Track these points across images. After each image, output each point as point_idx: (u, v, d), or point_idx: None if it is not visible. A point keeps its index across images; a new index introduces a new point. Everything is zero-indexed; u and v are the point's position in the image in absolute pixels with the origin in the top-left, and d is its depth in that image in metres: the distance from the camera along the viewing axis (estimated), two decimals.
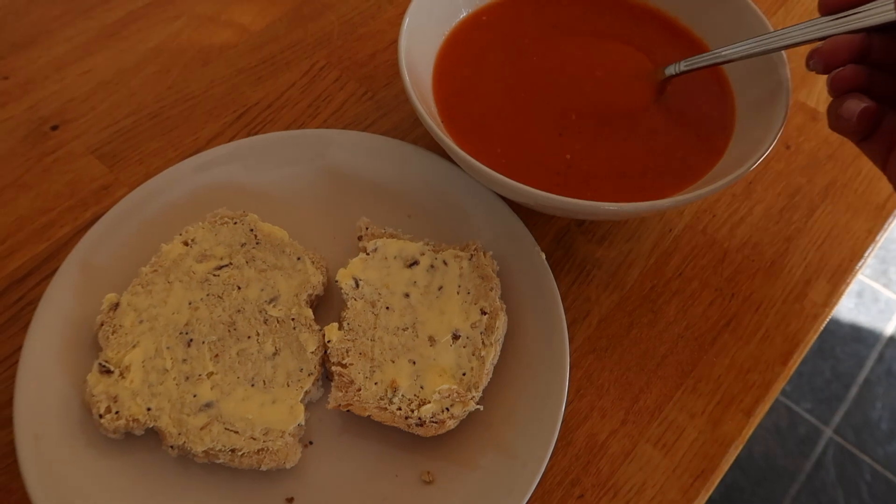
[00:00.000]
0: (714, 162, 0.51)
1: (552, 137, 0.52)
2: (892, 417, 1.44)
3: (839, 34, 0.43)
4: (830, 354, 1.53)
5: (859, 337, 1.56)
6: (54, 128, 0.61)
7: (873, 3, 0.42)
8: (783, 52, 0.52)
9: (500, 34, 0.58)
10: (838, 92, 0.44)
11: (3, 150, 0.60)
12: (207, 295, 0.48)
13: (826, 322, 0.53)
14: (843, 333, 1.57)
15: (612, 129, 0.53)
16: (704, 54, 0.52)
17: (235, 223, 0.51)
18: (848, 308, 1.60)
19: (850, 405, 1.47)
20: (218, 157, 0.55)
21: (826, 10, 0.44)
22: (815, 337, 0.52)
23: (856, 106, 0.42)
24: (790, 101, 0.50)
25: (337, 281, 0.48)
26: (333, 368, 0.45)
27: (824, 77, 0.44)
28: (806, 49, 0.45)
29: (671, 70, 0.54)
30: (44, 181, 0.58)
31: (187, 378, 0.45)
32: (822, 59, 0.44)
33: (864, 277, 1.65)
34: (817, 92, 0.65)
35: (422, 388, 0.45)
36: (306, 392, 0.45)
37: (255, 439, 0.43)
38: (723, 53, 0.50)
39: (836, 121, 0.44)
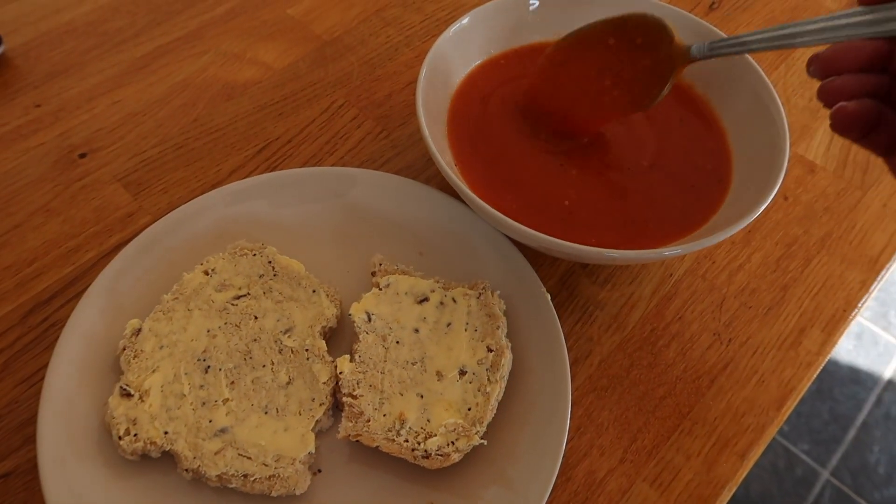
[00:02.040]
0: (713, 212, 0.54)
1: (558, 183, 0.54)
2: (889, 461, 1.44)
3: (873, 36, 0.39)
4: (829, 396, 1.54)
5: (858, 379, 1.57)
6: (82, 155, 0.64)
7: None
8: (781, 107, 0.55)
9: (512, 82, 0.61)
10: (826, 103, 0.41)
11: (33, 176, 0.62)
12: (225, 323, 0.50)
13: (820, 370, 0.54)
14: (842, 375, 1.58)
15: (616, 178, 0.55)
16: (728, 39, 0.49)
17: (255, 255, 0.53)
18: (847, 350, 1.61)
19: (847, 447, 1.47)
20: (242, 190, 0.57)
21: None
22: (809, 384, 0.54)
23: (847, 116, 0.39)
24: (788, 154, 0.52)
25: (350, 314, 0.50)
26: (344, 399, 0.47)
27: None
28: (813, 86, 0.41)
29: (696, 51, 0.50)
30: (71, 207, 0.60)
31: (203, 403, 0.47)
32: (820, 67, 0.40)
33: (863, 320, 1.66)
34: (815, 145, 0.67)
35: (428, 421, 0.46)
36: (317, 421, 0.47)
37: (266, 465, 0.45)
38: (746, 41, 0.47)
39: (832, 121, 0.40)
